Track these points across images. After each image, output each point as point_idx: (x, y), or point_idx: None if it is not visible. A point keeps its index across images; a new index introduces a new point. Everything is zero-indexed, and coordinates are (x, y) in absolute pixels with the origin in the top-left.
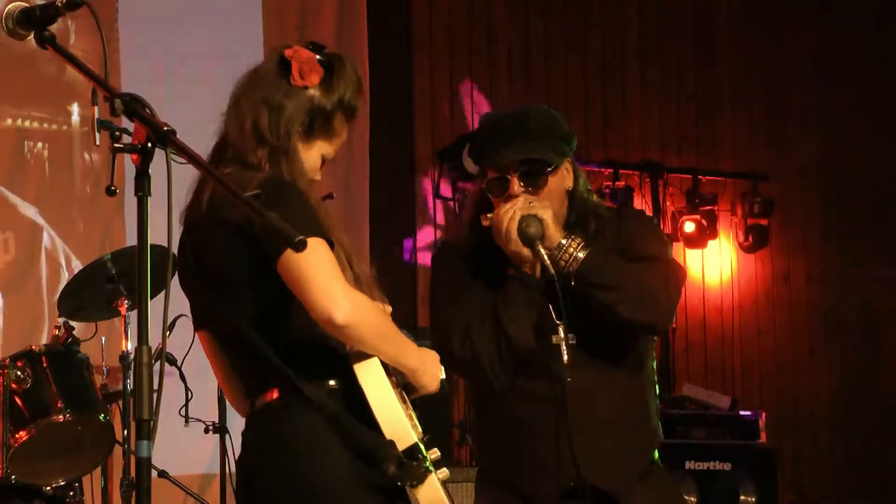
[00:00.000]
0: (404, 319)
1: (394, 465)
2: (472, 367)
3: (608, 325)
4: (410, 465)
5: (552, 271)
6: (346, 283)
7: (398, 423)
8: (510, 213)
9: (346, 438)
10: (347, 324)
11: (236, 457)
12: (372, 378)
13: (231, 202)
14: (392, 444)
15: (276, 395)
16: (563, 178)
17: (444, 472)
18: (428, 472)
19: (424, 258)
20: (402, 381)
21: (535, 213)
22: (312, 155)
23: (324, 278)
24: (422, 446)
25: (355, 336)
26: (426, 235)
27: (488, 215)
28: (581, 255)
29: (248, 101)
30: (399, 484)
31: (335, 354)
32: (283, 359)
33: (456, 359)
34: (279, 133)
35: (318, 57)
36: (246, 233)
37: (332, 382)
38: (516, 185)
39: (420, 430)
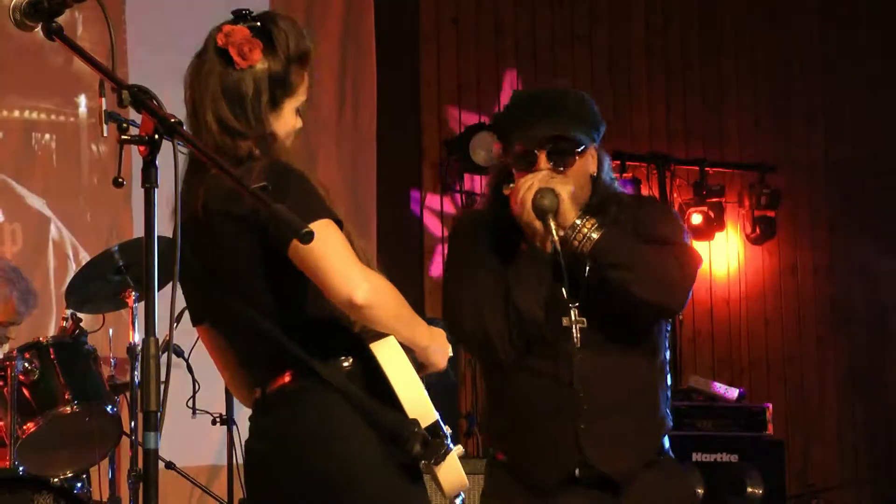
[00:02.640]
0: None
1: (419, 443)
2: (480, 340)
3: (621, 308)
4: (434, 443)
5: (559, 247)
6: (362, 264)
7: (420, 401)
8: (528, 183)
9: (367, 419)
10: (367, 304)
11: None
12: (390, 356)
13: (236, 194)
14: (416, 422)
15: (288, 378)
16: (588, 163)
17: (459, 448)
18: (449, 449)
19: (432, 245)
20: (413, 359)
21: (552, 187)
22: (286, 117)
23: (339, 261)
24: (441, 422)
25: (374, 316)
26: (434, 225)
27: (510, 185)
28: (595, 235)
29: (204, 101)
30: (423, 462)
31: (347, 334)
32: (295, 344)
33: (465, 331)
34: (251, 122)
35: (249, 28)
36: (251, 223)
37: (346, 363)
38: (543, 162)
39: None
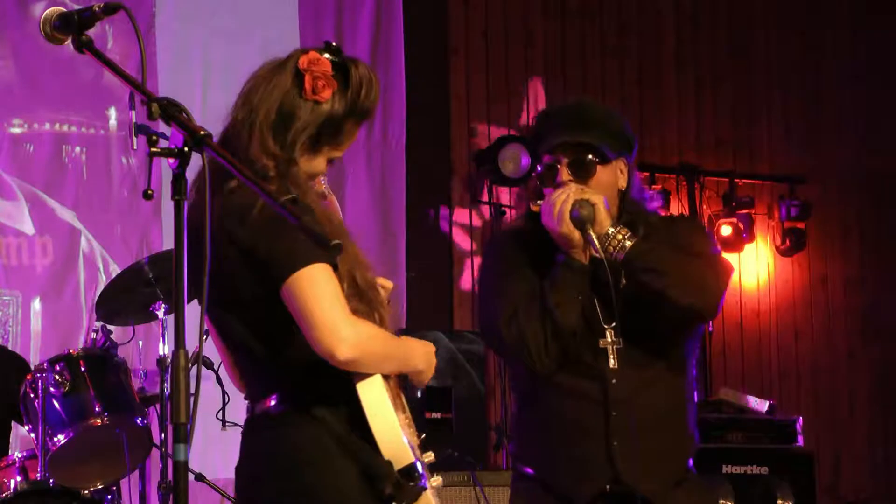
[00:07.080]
0: (440, 322)
1: (390, 485)
2: (517, 349)
3: (656, 320)
4: (406, 486)
5: (601, 255)
6: (348, 313)
7: (396, 443)
8: (563, 196)
9: (346, 451)
10: (350, 360)
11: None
12: (372, 396)
13: (243, 216)
14: (389, 464)
15: (273, 402)
16: (615, 176)
17: (437, 479)
18: (423, 489)
19: (461, 258)
20: (401, 383)
21: (587, 198)
22: (317, 162)
23: (324, 313)
24: (418, 463)
25: (359, 368)
26: (462, 239)
27: (539, 201)
28: (628, 243)
29: (260, 105)
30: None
31: (335, 369)
32: (285, 371)
33: (503, 340)
34: (285, 143)
35: (332, 64)
36: (252, 257)
37: (331, 397)
38: (565, 174)
39: (416, 432)
